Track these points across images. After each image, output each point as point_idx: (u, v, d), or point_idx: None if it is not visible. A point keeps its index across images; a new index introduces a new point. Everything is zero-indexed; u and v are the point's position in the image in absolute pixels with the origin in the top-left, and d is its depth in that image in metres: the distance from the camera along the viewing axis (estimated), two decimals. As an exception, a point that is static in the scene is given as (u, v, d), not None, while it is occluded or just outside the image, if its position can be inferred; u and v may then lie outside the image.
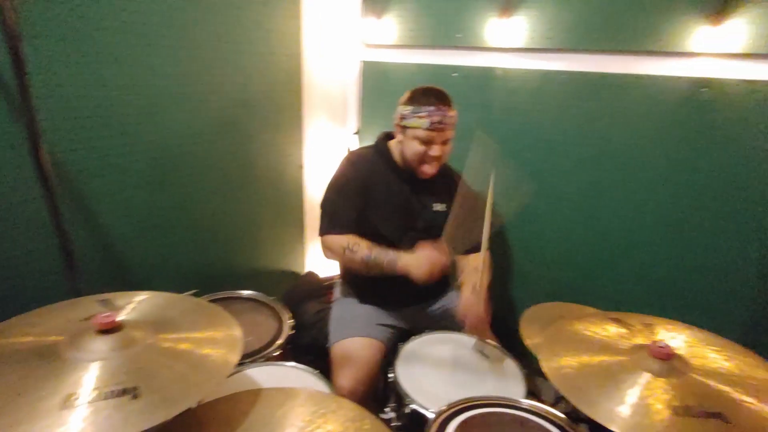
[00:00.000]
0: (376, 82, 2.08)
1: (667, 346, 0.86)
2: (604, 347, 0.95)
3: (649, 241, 1.60)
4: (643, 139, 1.54)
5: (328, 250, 1.43)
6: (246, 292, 1.55)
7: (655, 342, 0.88)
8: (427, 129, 1.33)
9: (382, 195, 1.44)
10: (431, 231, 1.39)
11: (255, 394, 0.93)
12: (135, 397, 0.72)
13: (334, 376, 1.35)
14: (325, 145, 2.19)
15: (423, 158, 1.38)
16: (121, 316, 0.91)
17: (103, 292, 1.04)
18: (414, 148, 1.37)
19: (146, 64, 1.39)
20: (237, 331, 0.96)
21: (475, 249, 1.39)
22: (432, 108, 1.32)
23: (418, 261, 1.26)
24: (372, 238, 1.38)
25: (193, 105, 1.55)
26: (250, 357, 1.26)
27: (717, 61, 1.39)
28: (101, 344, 0.82)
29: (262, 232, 2.00)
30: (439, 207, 1.48)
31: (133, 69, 1.36)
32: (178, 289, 1.51)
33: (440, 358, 1.30)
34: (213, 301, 1.53)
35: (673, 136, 1.49)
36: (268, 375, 1.19)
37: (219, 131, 1.67)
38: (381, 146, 1.49)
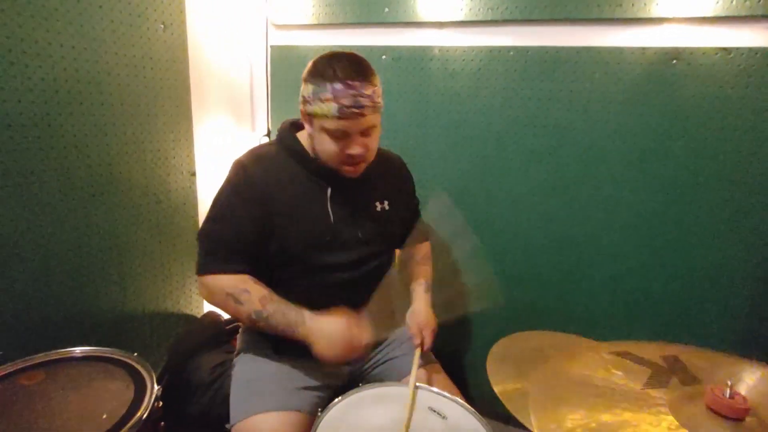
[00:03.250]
0: (290, 72, 1.70)
1: (739, 396, 0.53)
2: (619, 399, 0.60)
3: (621, 246, 1.34)
4: (606, 124, 1.30)
5: (210, 294, 1.01)
6: (80, 350, 1.02)
7: (713, 390, 0.55)
8: (337, 117, 0.92)
9: (301, 208, 1.02)
10: (377, 240, 1.09)
11: None
12: None
13: None
14: (225, 149, 1.74)
15: (341, 159, 0.97)
16: None
17: None
18: (325, 145, 0.96)
19: None
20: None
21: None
22: (339, 86, 0.90)
23: (328, 335, 0.92)
24: (289, 273, 1.02)
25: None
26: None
27: (687, 27, 1.18)
28: None
29: (136, 262, 1.48)
30: (381, 206, 1.11)
31: None
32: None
33: (375, 427, 0.88)
34: (31, 367, 1.00)
35: (642, 119, 1.26)
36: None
37: (53, 111, 1.18)
38: (288, 139, 1.06)
